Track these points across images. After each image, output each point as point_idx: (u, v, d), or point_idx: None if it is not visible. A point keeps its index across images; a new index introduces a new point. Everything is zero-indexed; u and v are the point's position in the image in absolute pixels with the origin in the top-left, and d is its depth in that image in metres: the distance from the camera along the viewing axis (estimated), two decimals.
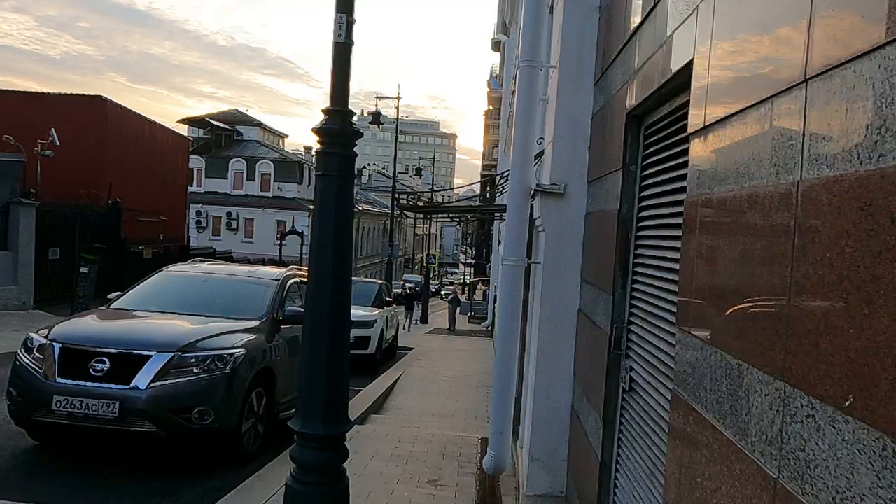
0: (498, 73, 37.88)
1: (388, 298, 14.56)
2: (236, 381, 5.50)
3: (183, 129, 47.85)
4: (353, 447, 6.45)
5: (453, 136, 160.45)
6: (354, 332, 12.16)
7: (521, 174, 4.39)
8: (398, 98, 19.17)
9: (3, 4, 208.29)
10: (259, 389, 5.93)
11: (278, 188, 45.63)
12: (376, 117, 19.03)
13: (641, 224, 2.96)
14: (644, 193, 2.93)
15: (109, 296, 6.87)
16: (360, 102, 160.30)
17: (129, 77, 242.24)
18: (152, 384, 5.08)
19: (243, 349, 5.63)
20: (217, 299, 6.61)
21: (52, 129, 18.81)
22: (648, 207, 2.84)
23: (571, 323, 4.23)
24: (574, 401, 4.18)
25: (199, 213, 44.70)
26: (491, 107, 54.03)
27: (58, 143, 18.85)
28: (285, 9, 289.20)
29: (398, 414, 8.94)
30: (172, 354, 5.22)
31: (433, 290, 36.32)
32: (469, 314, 30.69)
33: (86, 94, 23.94)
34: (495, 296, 22.95)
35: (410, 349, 16.65)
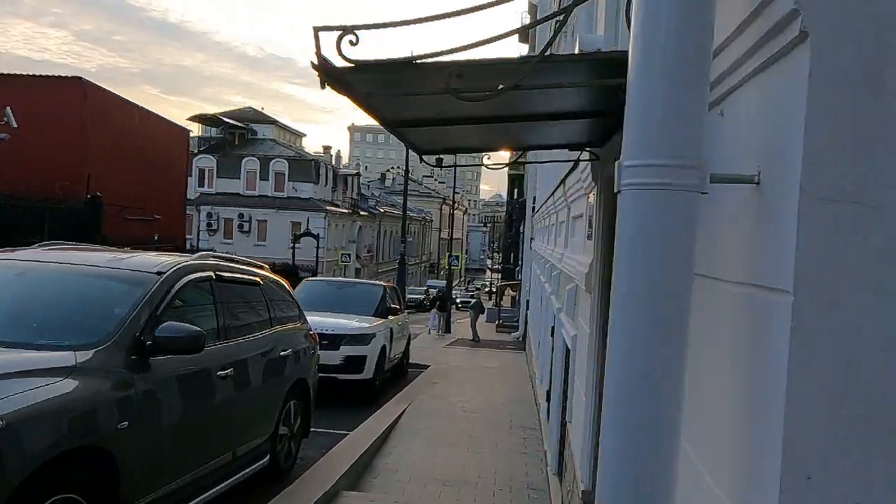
0: None
1: (394, 305, 11.46)
2: None
3: (194, 127, 45.64)
4: None
5: None
6: (344, 351, 9.12)
7: None
8: None
9: (41, 21, 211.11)
10: (74, 497, 2.87)
11: (293, 188, 42.98)
12: None
13: None
14: None
15: None
16: None
17: (162, 89, 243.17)
18: None
19: (15, 413, 2.57)
20: (28, 310, 3.57)
21: (8, 109, 16.15)
22: None
23: None
24: None
25: (209, 214, 42.26)
26: None
27: (14, 125, 16.20)
28: (311, 18, 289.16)
29: (389, 483, 5.82)
30: None
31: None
32: (497, 322, 27.47)
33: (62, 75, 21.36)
34: (527, 301, 19.79)
35: (426, 367, 13.53)
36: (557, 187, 7.34)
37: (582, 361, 4.21)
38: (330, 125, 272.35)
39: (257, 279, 5.33)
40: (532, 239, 19.26)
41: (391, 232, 57.38)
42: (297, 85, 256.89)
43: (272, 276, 5.94)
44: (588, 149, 3.87)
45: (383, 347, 10.02)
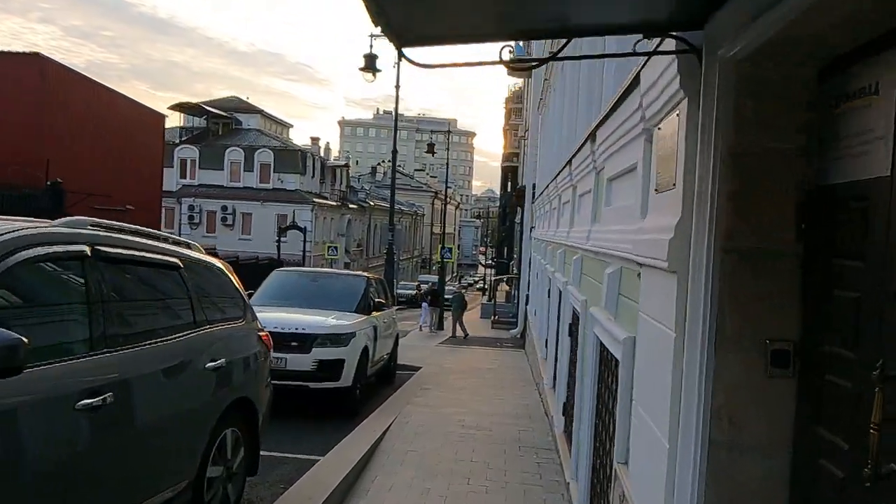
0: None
1: (379, 299, 9.90)
2: None
3: (176, 117, 43.83)
4: None
5: (471, 134, 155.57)
6: (317, 354, 7.59)
7: None
8: None
9: (29, 16, 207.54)
10: None
11: (279, 179, 41.29)
12: (370, 61, 14.43)
13: None
14: None
15: None
16: (380, 104, 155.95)
17: (152, 85, 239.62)
18: None
19: None
20: None
21: None
22: None
23: None
24: None
25: (191, 207, 40.53)
26: (516, 86, 49.35)
27: None
28: (303, 14, 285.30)
29: None
30: None
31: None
32: (493, 318, 25.99)
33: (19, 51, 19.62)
34: (527, 295, 18.29)
35: (416, 369, 12.01)
36: (581, 147, 5.82)
37: (652, 380, 2.71)
38: (321, 122, 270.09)
39: (174, 260, 3.77)
40: (532, 228, 17.75)
41: (382, 226, 55.70)
42: (289, 81, 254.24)
43: (203, 257, 4.39)
44: (675, 34, 2.34)
45: (365, 349, 8.48)
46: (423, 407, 8.34)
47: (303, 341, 7.66)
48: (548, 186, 11.19)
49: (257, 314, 8.41)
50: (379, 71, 14.65)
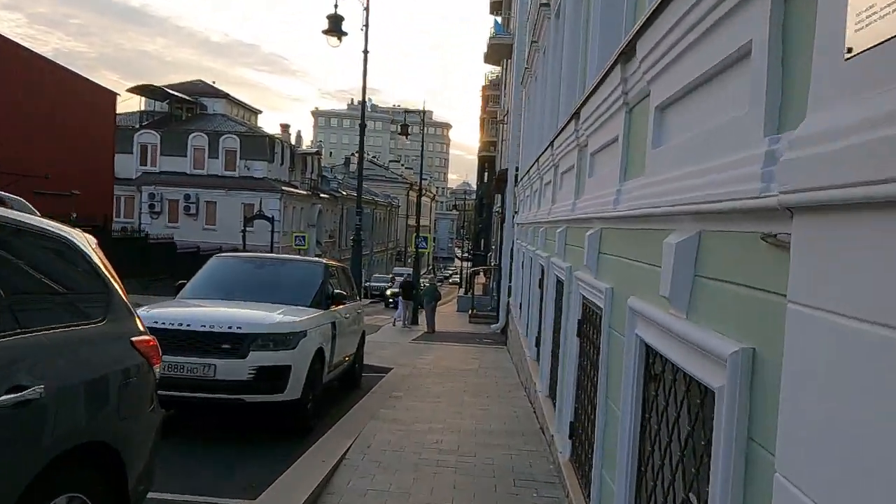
0: (494, 33, 31.69)
1: (340, 290, 8.28)
2: None
3: (134, 100, 41.55)
4: None
5: (447, 125, 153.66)
6: (255, 359, 6.01)
7: None
8: None
9: None
10: None
11: (245, 167, 39.27)
12: (335, 22, 12.75)
13: None
14: None
15: None
16: (355, 95, 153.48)
17: (123, 75, 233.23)
18: None
19: None
20: None
21: None
22: None
23: None
24: None
25: (152, 195, 38.33)
26: (493, 73, 47.83)
27: None
28: (279, 4, 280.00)
29: None
30: None
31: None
32: (471, 312, 24.52)
33: None
34: (509, 287, 16.83)
35: (386, 371, 10.47)
36: (599, 84, 4.29)
37: (862, 447, 1.17)
38: (295, 113, 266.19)
39: None
40: (516, 213, 16.28)
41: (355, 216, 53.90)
42: (263, 72, 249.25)
43: (30, 220, 2.77)
44: None
45: (320, 351, 6.88)
46: (391, 423, 6.79)
47: (237, 343, 6.04)
48: (537, 160, 9.70)
49: (187, 307, 6.83)
50: (345, 34, 12.98)
